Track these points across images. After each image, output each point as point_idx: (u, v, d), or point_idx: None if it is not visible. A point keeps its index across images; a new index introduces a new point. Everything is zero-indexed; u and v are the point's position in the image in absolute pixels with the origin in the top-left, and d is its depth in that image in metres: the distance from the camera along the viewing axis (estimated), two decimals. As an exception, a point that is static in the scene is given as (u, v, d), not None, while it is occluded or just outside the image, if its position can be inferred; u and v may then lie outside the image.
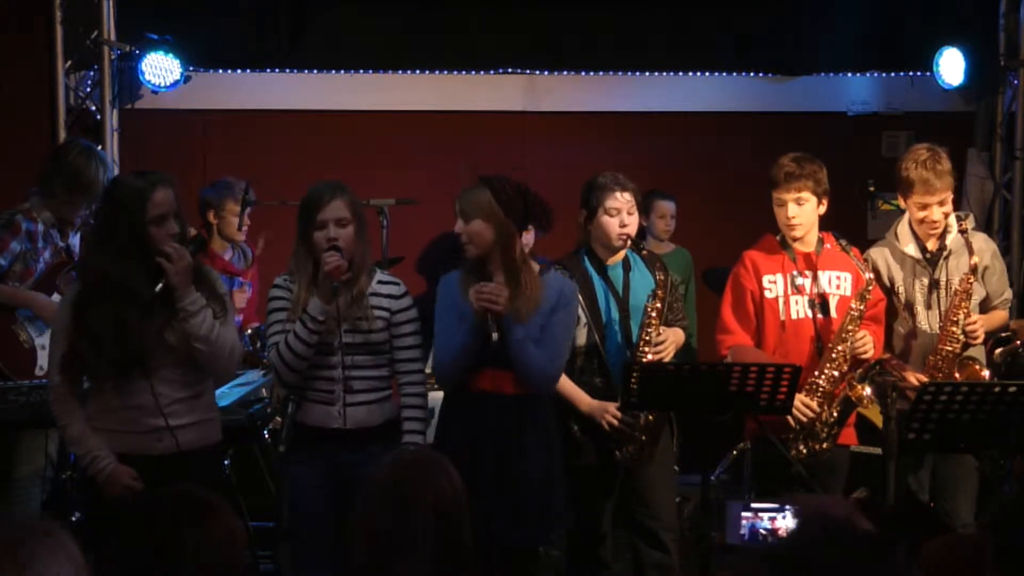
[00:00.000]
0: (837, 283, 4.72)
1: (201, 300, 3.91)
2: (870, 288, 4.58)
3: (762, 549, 2.00)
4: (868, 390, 4.61)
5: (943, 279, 4.87)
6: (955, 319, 4.77)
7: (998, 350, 5.52)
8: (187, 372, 3.99)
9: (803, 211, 4.65)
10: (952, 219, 4.88)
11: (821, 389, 4.58)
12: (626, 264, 4.67)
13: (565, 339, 4.31)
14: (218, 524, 2.39)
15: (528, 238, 5.99)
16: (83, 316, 3.88)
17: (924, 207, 4.81)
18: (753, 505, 2.60)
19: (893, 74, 7.64)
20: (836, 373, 4.58)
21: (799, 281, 4.69)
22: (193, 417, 4.01)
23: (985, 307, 4.97)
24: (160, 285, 3.85)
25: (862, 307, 4.57)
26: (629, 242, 4.61)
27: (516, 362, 4.14)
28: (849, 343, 4.56)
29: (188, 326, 3.89)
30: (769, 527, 2.59)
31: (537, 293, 4.18)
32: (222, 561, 2.37)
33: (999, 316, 5.06)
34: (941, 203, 4.81)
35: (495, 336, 4.09)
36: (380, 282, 4.21)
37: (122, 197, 3.93)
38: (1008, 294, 5.11)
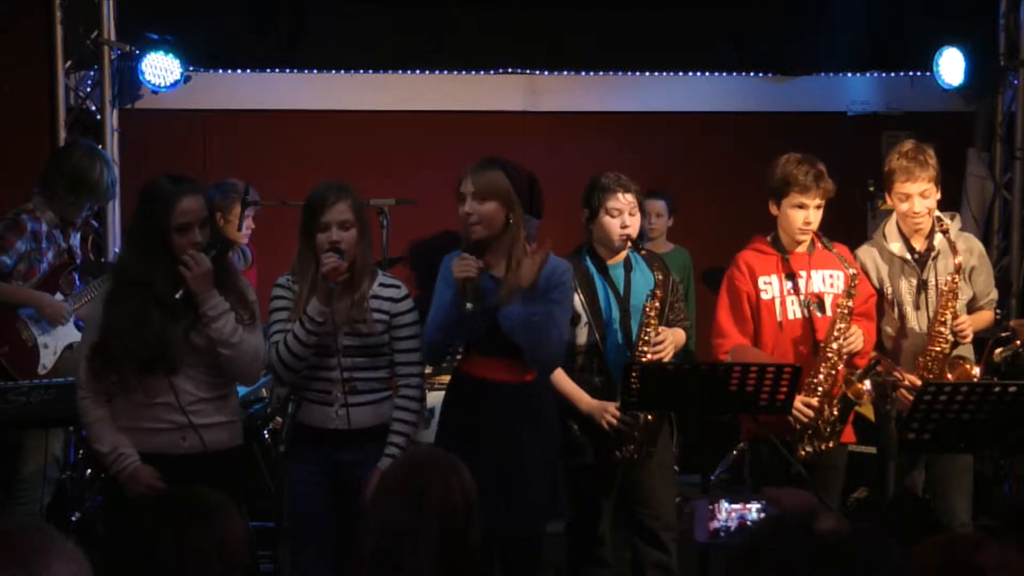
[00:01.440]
0: (831, 282, 4.72)
1: (223, 305, 3.95)
2: (855, 283, 4.58)
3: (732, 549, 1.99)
4: (867, 384, 4.62)
5: (931, 280, 4.87)
6: (943, 319, 4.77)
7: (998, 350, 5.53)
8: (214, 373, 4.03)
9: (818, 215, 4.67)
10: (934, 220, 4.89)
11: (820, 388, 4.59)
12: (627, 264, 4.67)
13: (564, 313, 4.24)
14: (221, 527, 2.39)
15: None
16: (109, 311, 3.95)
17: (906, 197, 4.81)
18: (741, 498, 2.60)
19: (893, 74, 7.64)
20: (833, 371, 4.58)
21: (794, 281, 4.70)
22: (220, 417, 4.06)
23: (972, 307, 4.98)
24: (181, 291, 3.90)
25: (850, 303, 4.58)
26: (629, 243, 4.61)
27: (528, 338, 4.06)
28: (841, 340, 4.57)
29: (210, 331, 3.94)
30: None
31: (535, 280, 4.09)
32: (224, 563, 2.37)
33: (985, 316, 5.08)
34: (923, 195, 4.80)
35: (468, 307, 4.02)
36: (381, 284, 4.21)
37: (152, 199, 3.96)
38: (994, 294, 5.13)
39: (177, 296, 3.90)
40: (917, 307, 4.88)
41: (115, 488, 3.99)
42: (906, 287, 4.89)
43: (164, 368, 3.93)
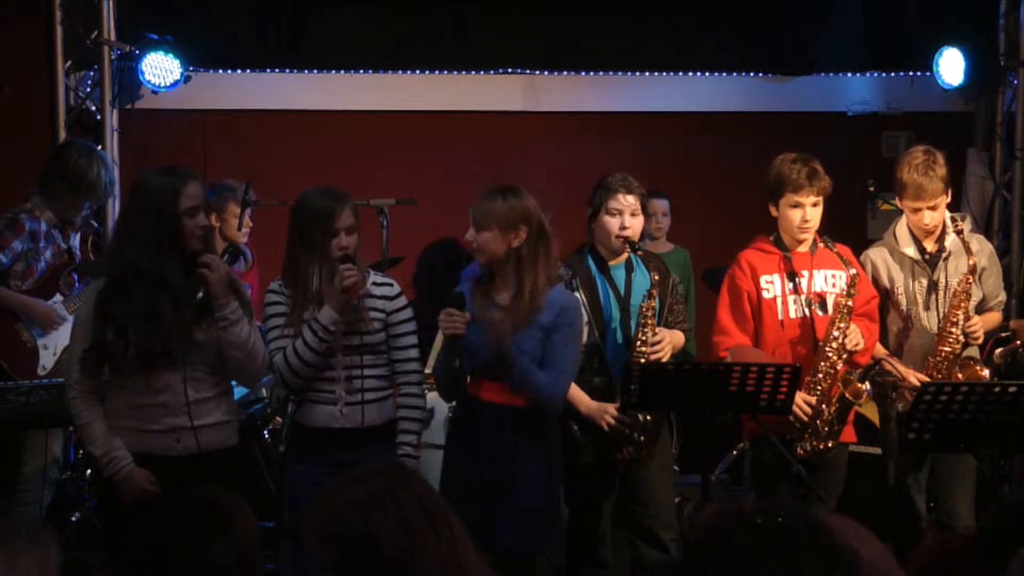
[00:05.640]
0: (833, 281, 4.72)
1: (240, 309, 3.93)
2: (855, 283, 4.58)
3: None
4: (866, 385, 4.62)
5: (942, 280, 4.87)
6: (954, 320, 4.78)
7: (998, 350, 5.53)
8: (213, 371, 4.00)
9: (816, 213, 4.66)
10: (947, 220, 4.89)
11: (820, 387, 4.59)
12: (629, 264, 4.67)
13: (570, 357, 4.24)
14: (240, 532, 2.35)
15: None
16: (110, 307, 3.86)
17: (916, 211, 4.84)
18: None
19: (893, 74, 7.64)
20: (832, 370, 4.58)
21: (796, 281, 4.70)
22: (217, 417, 4.02)
23: (980, 309, 4.98)
24: (201, 294, 3.87)
25: (849, 302, 4.58)
26: (627, 244, 4.60)
27: (523, 388, 4.11)
28: (840, 338, 4.57)
29: (228, 335, 3.91)
30: None
31: (531, 314, 4.11)
32: (242, 568, 2.34)
33: (994, 317, 5.09)
34: (933, 208, 4.82)
35: (456, 363, 4.09)
36: (374, 283, 4.22)
37: (155, 191, 3.90)
38: (1002, 296, 5.14)
39: (198, 298, 3.86)
40: (927, 308, 4.88)
41: (108, 489, 3.95)
42: (917, 288, 4.90)
43: (169, 363, 3.88)
